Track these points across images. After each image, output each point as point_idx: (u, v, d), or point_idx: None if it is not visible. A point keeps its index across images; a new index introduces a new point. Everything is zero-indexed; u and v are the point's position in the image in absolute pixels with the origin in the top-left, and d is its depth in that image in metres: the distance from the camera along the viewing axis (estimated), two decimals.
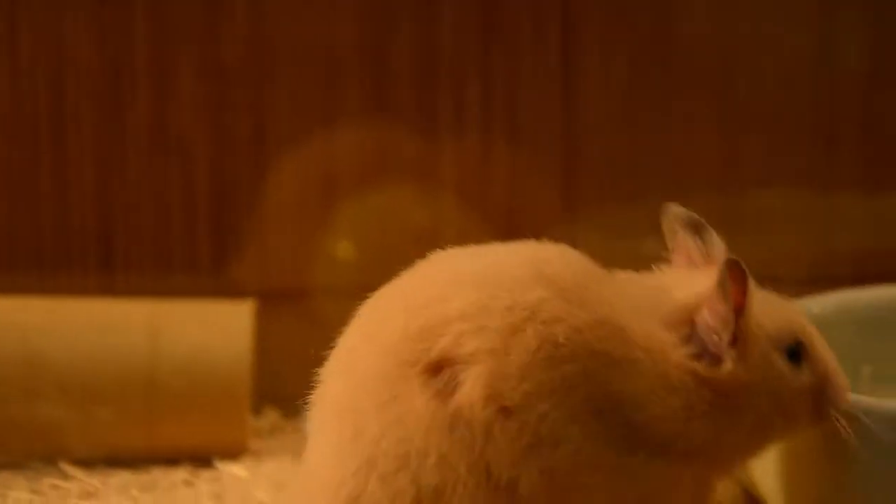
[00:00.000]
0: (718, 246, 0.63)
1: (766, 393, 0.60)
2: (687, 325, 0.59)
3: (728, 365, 0.59)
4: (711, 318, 0.59)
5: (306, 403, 0.62)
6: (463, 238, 0.88)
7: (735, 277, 0.59)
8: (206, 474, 0.80)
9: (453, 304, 0.57)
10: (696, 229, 0.63)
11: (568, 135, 0.93)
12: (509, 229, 0.90)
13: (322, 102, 0.91)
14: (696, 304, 0.59)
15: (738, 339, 0.59)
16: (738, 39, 0.92)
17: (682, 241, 0.64)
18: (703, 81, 0.93)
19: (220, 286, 0.90)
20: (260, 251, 0.91)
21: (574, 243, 0.91)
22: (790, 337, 0.62)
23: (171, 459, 0.82)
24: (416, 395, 0.56)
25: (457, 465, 0.56)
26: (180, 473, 0.80)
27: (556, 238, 0.74)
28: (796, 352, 0.62)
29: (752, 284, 0.60)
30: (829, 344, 0.78)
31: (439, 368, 0.56)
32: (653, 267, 0.64)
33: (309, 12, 0.91)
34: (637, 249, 0.86)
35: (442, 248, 0.90)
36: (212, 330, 0.83)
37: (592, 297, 0.58)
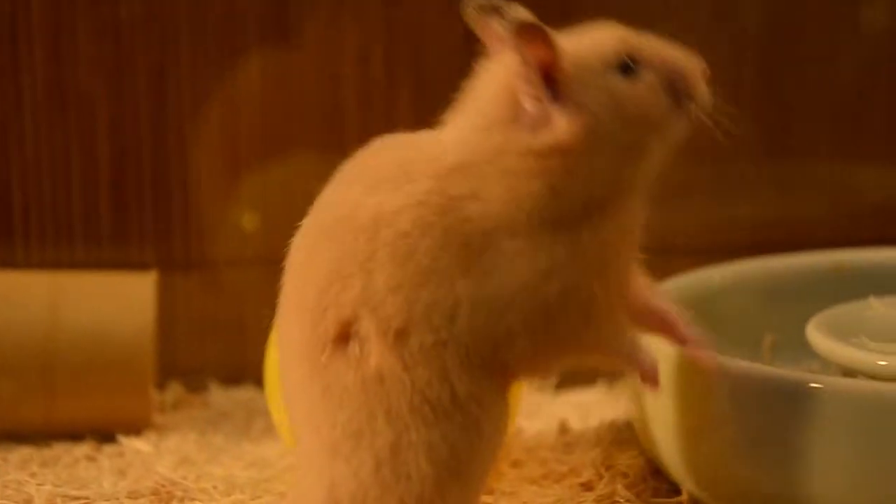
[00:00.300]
0: (525, 16, 0.59)
1: (617, 118, 0.58)
2: (509, 108, 0.58)
3: (561, 122, 0.57)
4: (526, 85, 0.57)
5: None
6: None
7: (528, 36, 0.57)
8: (108, 449, 0.79)
9: (318, 272, 0.57)
10: (495, 11, 0.60)
11: None
12: None
13: (224, 66, 0.90)
14: (506, 86, 0.58)
15: (562, 92, 0.57)
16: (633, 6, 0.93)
17: (488, 29, 0.60)
18: None
19: (121, 257, 0.89)
20: (162, 221, 0.90)
21: None
22: (613, 56, 0.59)
23: (73, 434, 0.81)
24: (341, 373, 0.56)
25: (400, 410, 0.56)
26: (82, 448, 0.79)
27: None
28: (627, 64, 0.59)
29: (553, 35, 0.57)
30: (729, 313, 0.79)
31: (344, 339, 0.56)
32: None
33: None
34: None
35: None
36: (113, 303, 0.82)
37: (418, 165, 0.58)
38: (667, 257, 0.86)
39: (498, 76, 0.59)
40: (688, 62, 0.61)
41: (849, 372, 0.69)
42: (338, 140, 0.91)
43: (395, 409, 0.56)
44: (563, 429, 0.77)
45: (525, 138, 0.57)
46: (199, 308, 0.90)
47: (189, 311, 0.90)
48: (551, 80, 0.57)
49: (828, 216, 0.94)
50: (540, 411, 0.83)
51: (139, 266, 0.87)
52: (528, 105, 0.57)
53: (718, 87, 0.92)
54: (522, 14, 0.59)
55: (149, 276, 0.84)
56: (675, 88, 0.60)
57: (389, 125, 0.91)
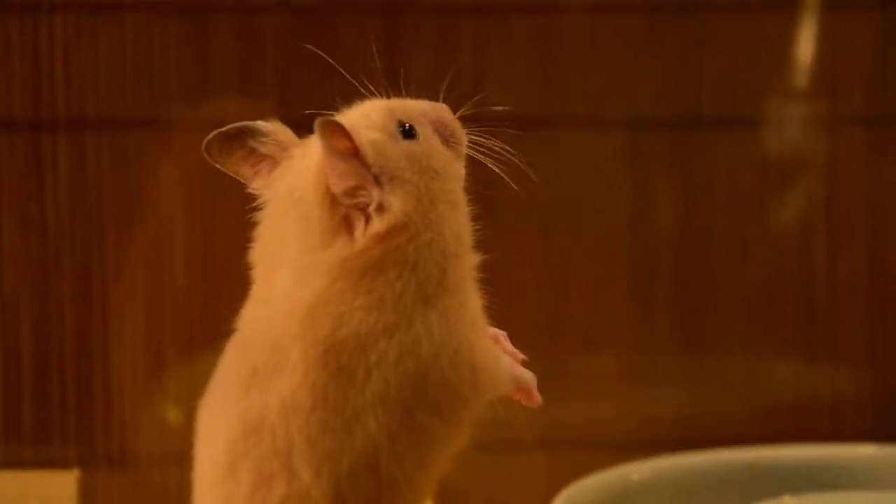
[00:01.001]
0: (281, 133, 0.61)
1: (426, 175, 0.60)
2: (336, 210, 0.58)
3: (391, 199, 0.58)
4: (343, 181, 0.58)
5: None
6: None
7: (334, 131, 0.57)
8: None
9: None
10: (242, 136, 0.61)
11: None
12: None
13: (149, 265, 0.91)
14: (322, 185, 0.58)
15: (375, 174, 0.58)
16: (557, 207, 0.95)
17: (234, 158, 0.62)
18: (525, 247, 0.95)
19: (43, 456, 0.89)
20: (85, 419, 0.90)
21: None
22: (392, 125, 0.60)
23: None
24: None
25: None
26: None
27: None
28: (406, 128, 0.61)
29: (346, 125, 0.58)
30: None
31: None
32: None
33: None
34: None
35: None
36: (35, 502, 0.82)
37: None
38: (591, 450, 0.88)
39: (295, 195, 0.59)
40: (439, 109, 0.63)
41: None
42: None
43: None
44: None
45: (364, 232, 0.58)
46: None
47: None
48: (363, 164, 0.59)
49: (742, 413, 0.96)
50: None
51: (61, 464, 0.87)
52: (357, 198, 0.58)
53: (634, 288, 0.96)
54: (273, 125, 0.61)
55: (70, 475, 0.83)
56: (443, 134, 0.62)
57: None
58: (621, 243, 0.96)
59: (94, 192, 0.90)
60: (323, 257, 0.58)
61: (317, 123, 0.57)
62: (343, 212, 0.58)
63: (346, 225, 0.58)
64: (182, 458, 0.91)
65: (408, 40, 0.93)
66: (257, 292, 0.61)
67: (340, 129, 0.58)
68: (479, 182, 0.94)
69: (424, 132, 0.61)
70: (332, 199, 0.58)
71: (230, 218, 0.92)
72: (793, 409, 0.96)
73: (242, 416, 0.57)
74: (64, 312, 0.90)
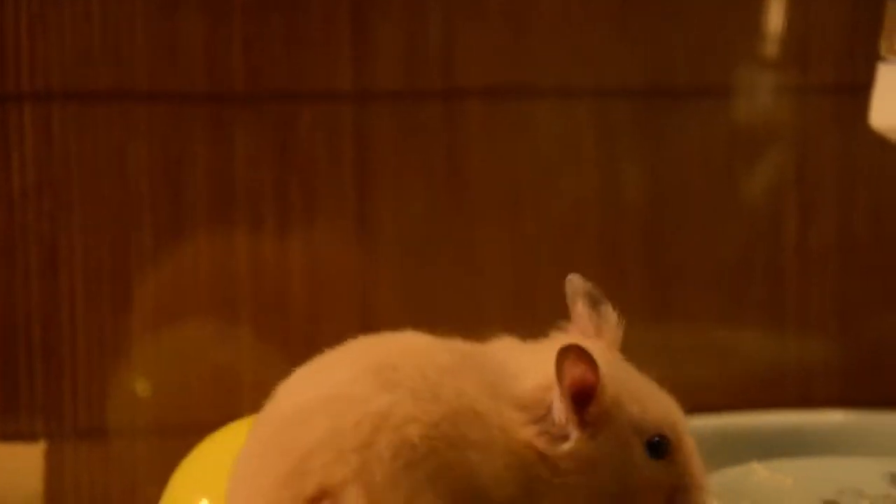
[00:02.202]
0: (612, 322, 0.62)
1: (613, 474, 0.58)
2: (541, 405, 0.58)
3: (570, 444, 0.58)
4: (564, 398, 0.58)
5: None
6: (262, 372, 0.90)
7: (572, 361, 0.57)
8: None
9: (308, 438, 0.56)
10: (593, 302, 0.62)
11: (365, 271, 0.93)
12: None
13: (116, 236, 0.91)
14: (549, 385, 0.58)
15: (589, 419, 0.58)
16: (526, 178, 0.95)
17: (579, 313, 0.62)
18: (494, 217, 0.95)
19: (10, 428, 0.89)
20: (53, 390, 0.90)
21: None
22: (655, 429, 0.60)
23: None
24: None
25: None
26: None
27: None
28: (659, 446, 0.60)
29: (607, 367, 0.58)
30: None
31: (319, 500, 0.55)
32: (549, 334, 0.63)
33: (103, 153, 0.91)
34: None
35: (241, 385, 0.93)
36: (1, 474, 0.81)
37: (444, 388, 0.58)
38: None
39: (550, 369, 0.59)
40: (703, 488, 0.61)
41: None
42: (231, 308, 0.92)
43: None
44: None
45: (535, 434, 0.58)
46: (89, 479, 0.89)
47: (78, 482, 0.89)
48: (587, 399, 0.58)
49: (713, 381, 0.96)
50: None
51: (28, 437, 0.86)
52: (554, 418, 0.58)
53: (604, 258, 0.96)
54: (615, 322, 0.62)
55: (37, 447, 0.83)
56: (678, 500, 0.60)
57: (281, 300, 0.93)
58: (590, 214, 0.96)
59: (61, 164, 0.90)
60: (494, 418, 0.58)
61: (562, 347, 0.57)
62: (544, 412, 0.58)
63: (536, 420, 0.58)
64: (150, 430, 0.91)
65: (376, 11, 0.92)
66: None
67: (587, 364, 0.58)
68: (447, 151, 0.94)
69: (662, 473, 0.60)
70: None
71: (197, 189, 0.92)
72: (763, 378, 0.96)
73: None
74: (30, 284, 0.90)
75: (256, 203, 0.92)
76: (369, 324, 0.92)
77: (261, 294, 0.92)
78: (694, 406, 0.88)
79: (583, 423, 0.58)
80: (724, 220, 0.97)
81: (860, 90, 0.80)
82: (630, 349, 0.95)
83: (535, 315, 0.95)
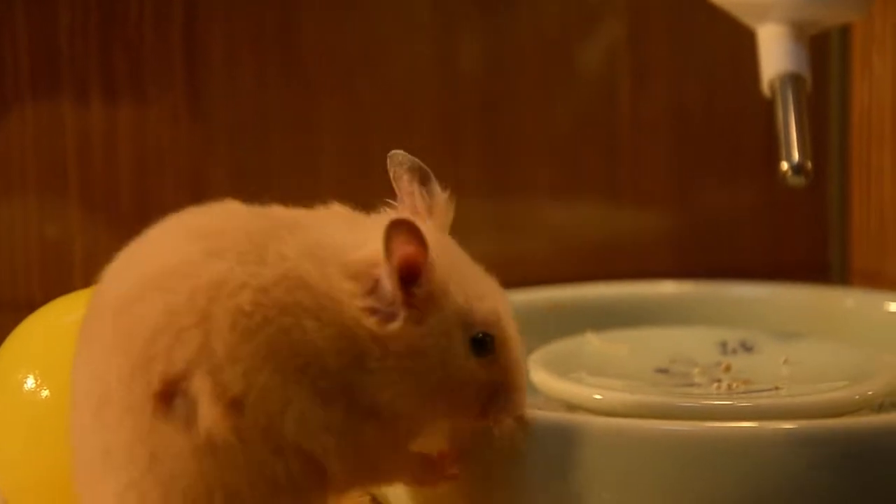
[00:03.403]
0: (440, 199, 0.61)
1: (436, 365, 0.57)
2: (369, 278, 0.56)
3: (396, 324, 0.56)
4: (392, 274, 0.56)
5: None
6: (92, 247, 0.89)
7: (403, 238, 0.55)
8: None
9: (145, 323, 0.54)
10: (421, 178, 0.61)
11: (196, 144, 0.92)
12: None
13: None
14: (378, 260, 0.56)
15: (415, 302, 0.56)
16: (360, 51, 0.93)
17: (406, 188, 0.61)
18: (329, 91, 0.93)
19: None
20: None
21: None
22: (481, 324, 0.58)
23: None
24: (165, 440, 0.53)
25: (237, 483, 0.54)
26: None
27: None
28: (484, 343, 0.58)
29: (436, 249, 0.57)
30: None
31: (169, 396, 0.54)
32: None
33: None
34: None
35: (71, 260, 0.91)
36: None
37: (270, 252, 0.56)
38: None
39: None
40: (522, 390, 0.60)
41: (571, 407, 0.70)
42: (61, 183, 0.89)
43: (233, 485, 0.54)
44: None
45: (365, 309, 0.56)
46: None
47: None
48: (414, 279, 0.56)
49: (548, 255, 0.96)
50: None
51: None
52: (384, 295, 0.56)
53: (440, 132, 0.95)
54: (444, 199, 0.61)
55: None
56: (496, 399, 0.59)
57: (110, 175, 0.91)
58: (426, 88, 0.95)
59: None
60: (324, 286, 0.56)
61: (392, 220, 0.55)
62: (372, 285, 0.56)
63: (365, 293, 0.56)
64: None
65: None
66: None
67: (418, 245, 0.56)
68: (280, 20, 0.92)
69: (482, 369, 0.58)
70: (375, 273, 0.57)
71: (18, 60, 0.89)
72: (598, 250, 0.97)
73: None
74: None
75: (82, 75, 0.89)
76: (201, 198, 0.91)
77: (89, 169, 0.90)
78: (529, 280, 0.88)
79: (409, 304, 0.56)
80: (559, 90, 0.97)
81: None
82: (465, 222, 0.95)
83: (370, 189, 0.94)
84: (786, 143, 0.79)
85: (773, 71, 0.81)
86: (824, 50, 0.97)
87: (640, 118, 0.97)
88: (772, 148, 0.80)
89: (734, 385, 0.71)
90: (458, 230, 0.94)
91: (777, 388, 0.70)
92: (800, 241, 1.00)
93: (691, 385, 0.71)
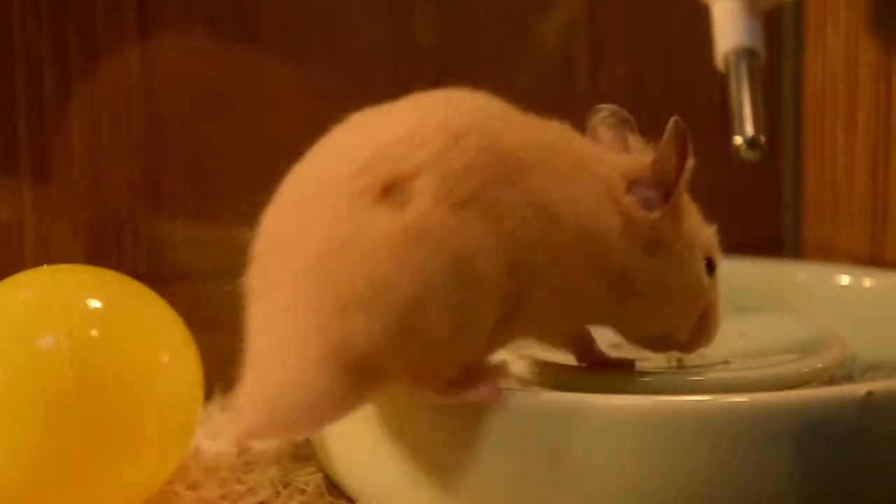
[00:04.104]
0: (638, 142, 0.67)
1: (684, 266, 0.64)
2: (632, 176, 0.64)
3: (658, 212, 0.63)
4: (654, 175, 0.64)
5: None
6: (43, 231, 0.88)
7: (680, 137, 0.63)
8: None
9: (389, 134, 0.58)
10: (624, 123, 0.67)
11: (150, 118, 0.91)
12: (93, 221, 0.89)
13: None
14: (642, 162, 0.64)
15: (672, 199, 0.64)
16: (316, 21, 0.93)
17: (603, 133, 0.67)
18: (284, 63, 0.93)
19: None
20: None
21: (161, 232, 0.90)
22: (707, 250, 0.66)
23: None
24: (375, 222, 0.56)
25: (430, 269, 0.56)
26: None
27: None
28: (710, 265, 0.66)
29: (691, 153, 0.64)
30: None
31: (388, 193, 0.57)
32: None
33: None
34: (229, 237, 0.87)
35: (22, 239, 0.90)
36: None
37: (536, 125, 0.63)
38: None
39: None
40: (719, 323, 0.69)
41: (524, 383, 0.70)
42: (12, 163, 0.89)
43: (426, 267, 0.56)
44: (243, 447, 0.76)
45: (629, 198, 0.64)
46: None
47: None
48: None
49: None
50: (222, 431, 0.82)
51: None
52: (647, 191, 0.64)
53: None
54: (641, 142, 0.67)
55: None
56: (705, 320, 0.67)
57: (63, 154, 0.90)
58: (382, 58, 0.94)
59: None
60: (590, 160, 0.65)
61: (675, 119, 0.64)
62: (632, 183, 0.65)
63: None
64: None
65: None
66: None
67: (686, 145, 0.64)
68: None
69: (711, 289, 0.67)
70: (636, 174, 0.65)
71: None
72: None
73: None
74: None
75: (35, 51, 0.89)
76: (155, 173, 0.90)
77: (41, 146, 0.89)
78: None
79: (665, 201, 0.64)
80: (517, 63, 0.97)
81: None
82: None
83: None
84: (739, 118, 0.79)
85: (727, 46, 0.81)
86: (778, 24, 0.98)
87: (598, 93, 0.97)
88: (727, 123, 0.80)
89: (687, 359, 0.72)
90: None
91: (729, 362, 0.71)
92: (754, 216, 1.00)
93: (645, 360, 0.71)
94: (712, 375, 0.67)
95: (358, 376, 0.57)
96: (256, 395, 0.58)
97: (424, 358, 0.57)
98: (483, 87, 0.96)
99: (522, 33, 0.96)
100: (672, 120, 0.63)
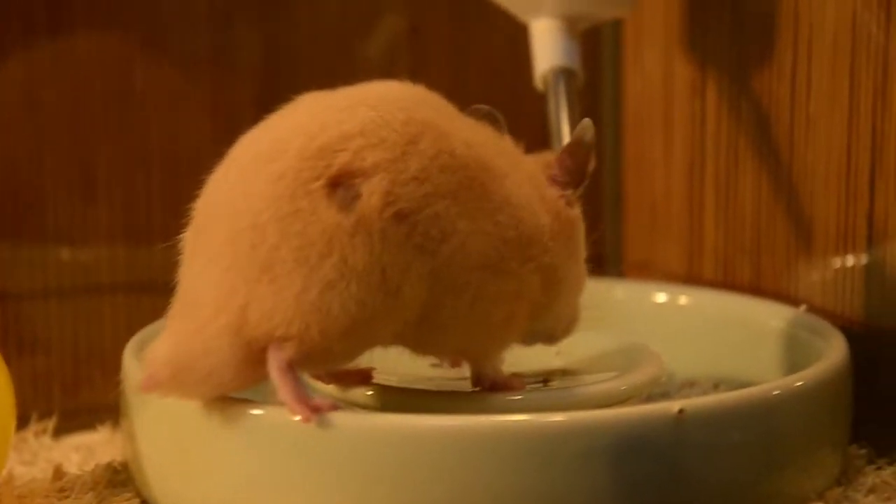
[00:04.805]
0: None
1: (578, 257, 0.68)
2: (551, 167, 0.67)
3: (576, 209, 0.67)
4: (563, 171, 0.67)
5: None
6: None
7: (589, 133, 0.67)
8: None
9: (351, 124, 0.61)
10: (498, 123, 0.69)
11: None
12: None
13: None
14: (547, 160, 0.68)
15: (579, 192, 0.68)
16: (135, 35, 0.91)
17: None
18: (101, 76, 0.91)
19: None
20: None
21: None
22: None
23: None
24: (318, 207, 0.59)
25: (355, 264, 0.59)
26: None
27: None
28: None
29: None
30: None
31: (340, 182, 0.60)
32: None
33: None
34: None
35: None
36: None
37: (472, 123, 0.66)
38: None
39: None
40: None
41: (343, 402, 0.70)
42: None
43: (351, 261, 0.59)
44: (59, 473, 0.74)
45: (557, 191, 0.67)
46: None
47: None
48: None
49: None
50: (37, 457, 0.80)
51: None
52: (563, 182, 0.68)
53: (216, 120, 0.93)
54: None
55: None
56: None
57: None
58: (202, 80, 0.93)
59: None
60: (523, 162, 0.68)
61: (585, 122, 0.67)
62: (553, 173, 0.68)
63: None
64: None
65: None
66: None
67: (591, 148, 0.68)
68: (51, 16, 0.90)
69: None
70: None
71: None
72: None
73: None
74: None
75: None
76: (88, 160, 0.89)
77: None
78: None
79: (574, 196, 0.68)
80: (340, 84, 0.96)
81: None
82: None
83: (145, 176, 0.92)
84: (558, 136, 0.80)
85: (545, 65, 0.82)
86: (597, 44, 0.99)
87: None
88: (548, 141, 0.81)
89: None
90: None
91: (547, 381, 0.71)
92: None
93: (464, 378, 0.71)
94: (530, 394, 0.68)
95: (255, 353, 0.60)
96: (164, 351, 0.61)
97: (314, 341, 0.60)
98: None
99: (345, 53, 0.96)
100: (584, 121, 0.67)
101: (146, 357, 0.62)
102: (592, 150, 0.67)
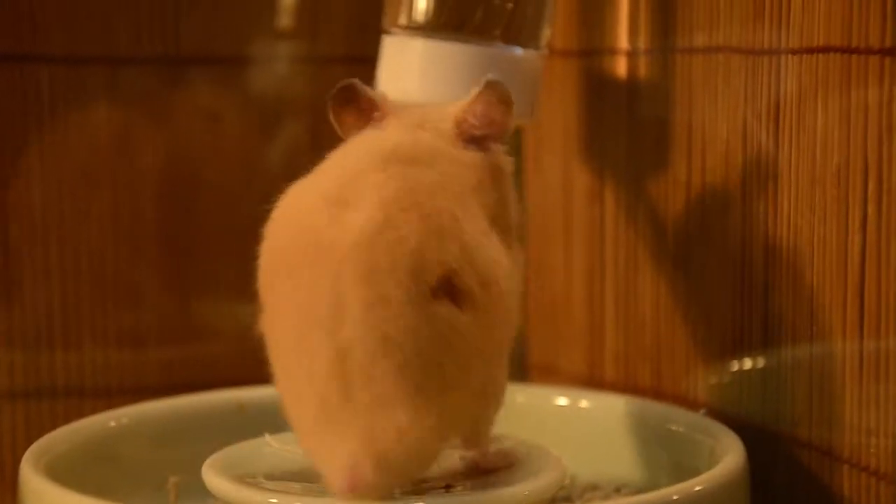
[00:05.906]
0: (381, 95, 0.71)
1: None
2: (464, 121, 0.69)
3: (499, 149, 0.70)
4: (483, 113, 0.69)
5: None
6: None
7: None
8: None
9: (407, 242, 0.62)
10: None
11: None
12: None
13: None
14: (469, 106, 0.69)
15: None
16: (30, 142, 0.91)
17: (345, 112, 0.71)
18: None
19: None
20: None
21: None
22: None
23: None
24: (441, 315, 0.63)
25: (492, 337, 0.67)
26: None
27: None
28: None
29: None
30: (131, 455, 0.79)
31: (439, 289, 0.63)
32: None
33: None
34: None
35: None
36: None
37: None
38: (75, 399, 0.86)
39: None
40: None
41: None
42: None
43: (489, 340, 0.67)
44: None
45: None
46: None
47: None
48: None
49: (232, 356, 0.95)
50: None
51: None
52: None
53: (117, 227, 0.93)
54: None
55: None
56: None
57: None
58: (104, 184, 0.93)
59: None
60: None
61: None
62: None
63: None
64: None
65: None
66: None
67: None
68: None
69: None
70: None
71: None
72: None
73: None
74: None
75: None
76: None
77: None
78: (214, 382, 0.87)
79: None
80: (242, 189, 0.96)
81: (370, 61, 0.82)
82: (151, 324, 0.94)
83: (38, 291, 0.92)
84: None
85: None
86: None
87: None
88: None
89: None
90: (145, 331, 0.94)
91: (450, 486, 0.71)
92: None
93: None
94: (432, 500, 0.68)
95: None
96: (361, 447, 0.62)
97: None
98: (206, 212, 0.96)
99: (247, 157, 0.96)
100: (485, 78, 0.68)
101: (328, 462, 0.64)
102: (509, 102, 0.68)
